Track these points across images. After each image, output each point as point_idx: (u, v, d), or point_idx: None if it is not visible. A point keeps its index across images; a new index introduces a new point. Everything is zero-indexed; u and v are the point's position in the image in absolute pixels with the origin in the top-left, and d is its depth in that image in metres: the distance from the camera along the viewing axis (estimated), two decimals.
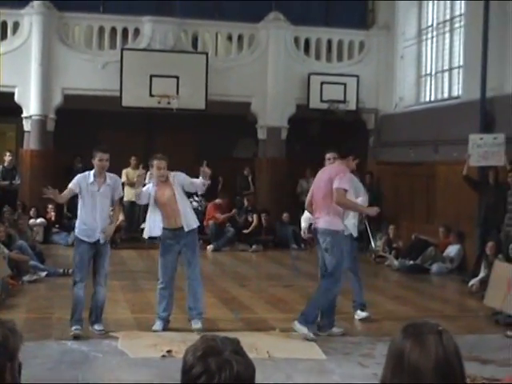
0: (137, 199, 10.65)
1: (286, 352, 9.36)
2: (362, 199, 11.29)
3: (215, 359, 2.58)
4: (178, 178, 10.49)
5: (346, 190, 10.14)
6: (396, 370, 2.67)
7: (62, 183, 10.68)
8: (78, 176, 10.44)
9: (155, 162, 10.39)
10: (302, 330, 10.11)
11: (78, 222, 10.38)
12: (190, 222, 10.46)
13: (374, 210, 10.84)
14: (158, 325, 10.37)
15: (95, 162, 10.31)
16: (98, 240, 10.21)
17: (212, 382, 2.54)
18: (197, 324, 10.21)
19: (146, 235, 10.95)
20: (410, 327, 2.76)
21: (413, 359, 2.64)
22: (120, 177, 19.70)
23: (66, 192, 10.43)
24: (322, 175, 10.53)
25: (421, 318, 10.79)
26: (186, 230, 10.35)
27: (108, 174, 10.41)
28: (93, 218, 10.21)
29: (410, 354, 2.65)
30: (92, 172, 10.36)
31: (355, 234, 11.46)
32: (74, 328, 9.96)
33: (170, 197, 10.33)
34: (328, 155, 11.25)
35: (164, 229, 10.47)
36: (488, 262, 13.81)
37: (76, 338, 9.78)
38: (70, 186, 10.37)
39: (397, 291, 14.64)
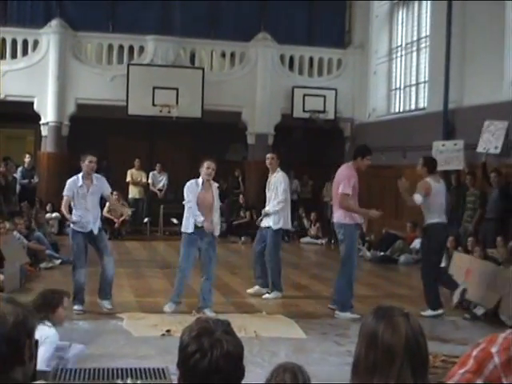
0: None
1: (271, 332, 9.37)
2: None
3: (208, 339, 2.60)
4: (217, 191, 10.63)
5: (347, 195, 10.32)
6: (370, 349, 2.68)
7: None
8: (68, 182, 10.40)
9: (206, 163, 10.32)
10: (346, 316, 10.38)
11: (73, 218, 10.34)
12: (217, 227, 10.48)
13: (376, 214, 10.92)
14: (170, 306, 10.30)
15: (85, 164, 10.28)
16: (92, 231, 10.26)
17: (205, 359, 2.56)
18: (212, 313, 10.01)
19: (183, 230, 10.52)
20: (379, 310, 2.77)
21: (386, 339, 2.65)
22: (125, 176, 19.94)
23: (65, 202, 10.38)
24: (336, 177, 10.83)
25: (390, 302, 10.82)
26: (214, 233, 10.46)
27: (94, 176, 10.40)
28: (86, 215, 10.23)
29: (384, 334, 2.66)
30: (80, 175, 10.35)
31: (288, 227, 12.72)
32: (76, 307, 10.12)
33: (210, 201, 10.36)
34: (267, 155, 12.04)
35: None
36: (448, 254, 13.85)
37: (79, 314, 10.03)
38: (65, 193, 10.36)
39: (369, 279, 14.65)
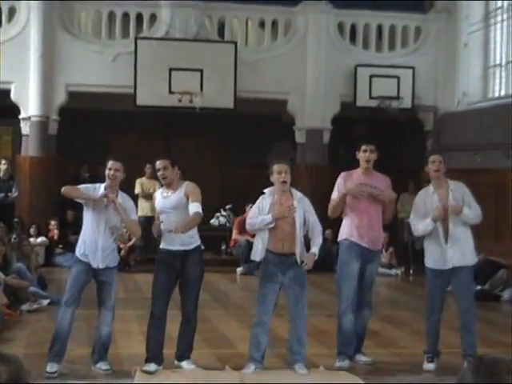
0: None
1: None
2: None
3: None
4: (305, 202, 10.09)
5: None
6: None
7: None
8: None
9: (275, 167, 10.01)
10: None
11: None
12: (304, 253, 9.92)
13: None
14: (250, 366, 9.78)
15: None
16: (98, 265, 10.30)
17: None
18: (303, 370, 9.78)
19: (252, 257, 10.27)
20: (480, 366, 2.74)
21: None
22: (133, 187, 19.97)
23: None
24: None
25: (490, 353, 10.69)
26: (298, 260, 9.83)
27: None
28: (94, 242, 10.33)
29: None
30: (103, 185, 10.43)
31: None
32: (48, 367, 9.79)
33: (288, 220, 9.89)
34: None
35: (268, 251, 9.93)
36: None
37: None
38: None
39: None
